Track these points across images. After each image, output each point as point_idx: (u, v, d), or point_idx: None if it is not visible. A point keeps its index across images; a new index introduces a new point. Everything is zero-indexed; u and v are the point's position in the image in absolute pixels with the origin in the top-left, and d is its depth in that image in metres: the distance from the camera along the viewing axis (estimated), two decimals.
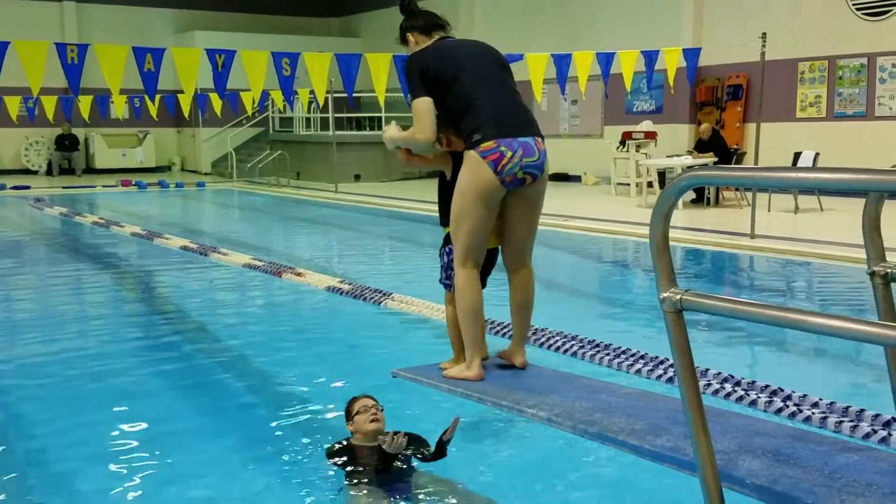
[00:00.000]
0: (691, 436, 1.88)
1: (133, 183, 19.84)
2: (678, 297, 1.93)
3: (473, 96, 3.34)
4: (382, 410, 3.60)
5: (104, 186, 19.74)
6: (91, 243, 11.65)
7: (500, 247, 3.71)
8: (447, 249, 3.70)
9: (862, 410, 4.01)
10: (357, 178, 19.92)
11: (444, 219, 3.71)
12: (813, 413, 4.09)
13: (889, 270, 2.35)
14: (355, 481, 3.39)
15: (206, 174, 23.64)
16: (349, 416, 3.62)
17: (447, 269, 3.71)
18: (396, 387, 3.96)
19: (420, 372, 3.26)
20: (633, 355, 5.13)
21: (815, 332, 1.70)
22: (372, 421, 3.51)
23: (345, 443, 3.61)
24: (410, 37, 3.56)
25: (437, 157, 3.66)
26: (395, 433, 3.37)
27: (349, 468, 3.47)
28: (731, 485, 1.97)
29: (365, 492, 3.31)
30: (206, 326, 6.55)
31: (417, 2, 3.63)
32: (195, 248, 10.05)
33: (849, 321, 1.65)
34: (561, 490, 3.50)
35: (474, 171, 3.32)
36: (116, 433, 4.13)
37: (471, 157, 3.35)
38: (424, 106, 3.34)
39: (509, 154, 3.28)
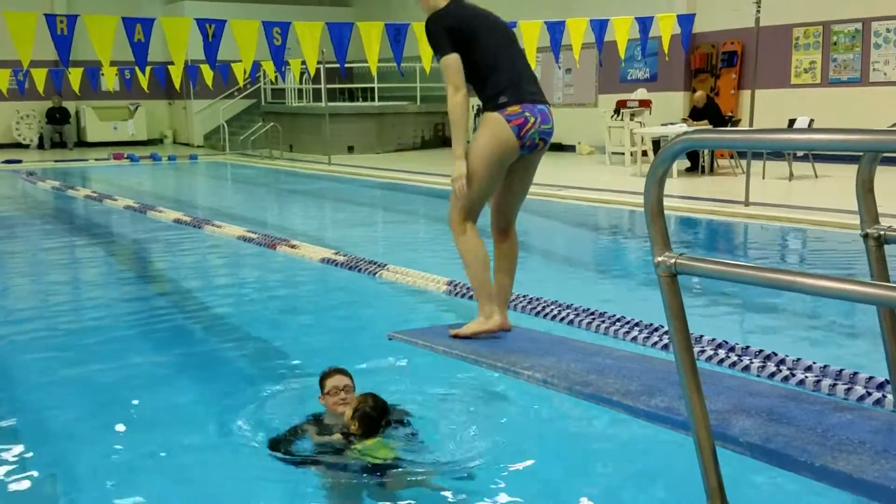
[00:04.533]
0: (685, 396, 1.89)
1: (125, 156, 19.73)
2: (672, 261, 1.94)
3: (497, 56, 3.40)
4: (353, 389, 3.58)
5: (96, 160, 19.63)
6: (84, 217, 11.61)
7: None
8: None
9: (855, 373, 4.05)
10: (350, 149, 19.84)
11: None
12: (806, 377, 4.12)
13: (882, 232, 2.36)
14: (324, 459, 3.40)
15: (198, 147, 23.50)
16: (322, 388, 3.62)
17: None
18: (392, 350, 3.98)
19: (416, 335, 3.27)
20: (628, 322, 5.16)
21: (807, 292, 1.71)
22: (340, 404, 3.51)
23: (305, 428, 3.58)
24: None
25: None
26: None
27: (317, 447, 3.47)
28: (725, 443, 1.99)
29: (333, 470, 3.33)
30: (201, 298, 6.55)
31: None
32: (189, 221, 10.02)
33: (840, 281, 1.66)
34: (553, 458, 3.54)
35: (497, 134, 3.34)
36: (111, 404, 4.14)
37: (495, 119, 3.35)
38: (454, 61, 3.34)
39: (532, 120, 3.37)
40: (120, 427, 3.86)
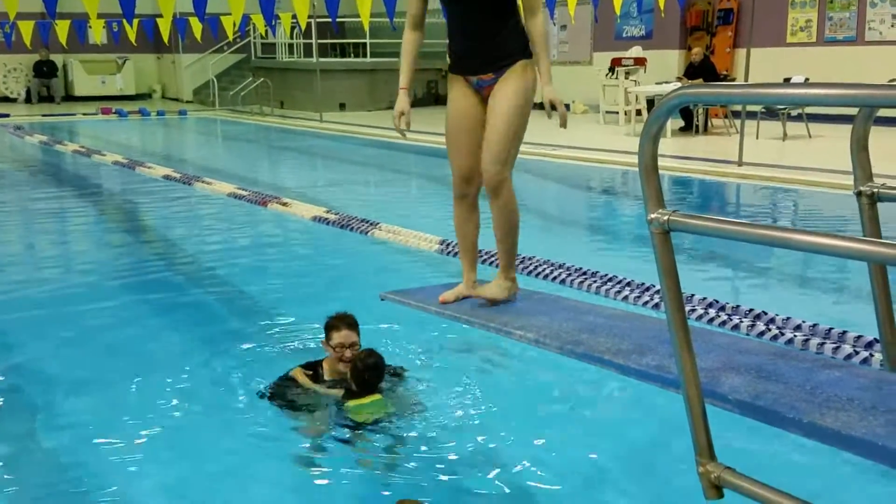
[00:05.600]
0: (676, 354, 1.89)
1: (113, 111, 19.52)
2: (666, 217, 1.92)
3: None
4: (359, 345, 3.55)
5: (84, 114, 19.42)
6: (73, 172, 11.51)
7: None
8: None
9: (844, 332, 4.07)
10: (342, 107, 19.64)
11: None
12: (795, 335, 4.15)
13: (875, 190, 2.34)
14: (315, 408, 3.42)
15: (187, 102, 23.24)
16: (328, 337, 3.59)
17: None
18: (384, 309, 3.98)
19: (409, 295, 3.26)
20: (619, 282, 5.17)
21: (800, 249, 1.70)
22: (342, 361, 3.50)
23: (296, 375, 3.59)
24: None
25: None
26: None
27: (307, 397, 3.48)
28: (714, 401, 2.00)
29: (321, 419, 3.35)
30: (191, 254, 6.53)
31: None
32: (178, 178, 9.95)
33: (833, 238, 1.65)
34: (544, 417, 3.56)
35: (533, 79, 3.25)
36: (100, 359, 4.14)
37: (530, 65, 3.25)
38: None
39: None
40: (108, 379, 3.86)
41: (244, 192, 8.72)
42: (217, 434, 3.35)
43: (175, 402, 3.65)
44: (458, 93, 3.28)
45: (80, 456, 3.22)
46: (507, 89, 3.17)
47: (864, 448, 1.75)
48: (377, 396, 3.33)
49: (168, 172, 10.30)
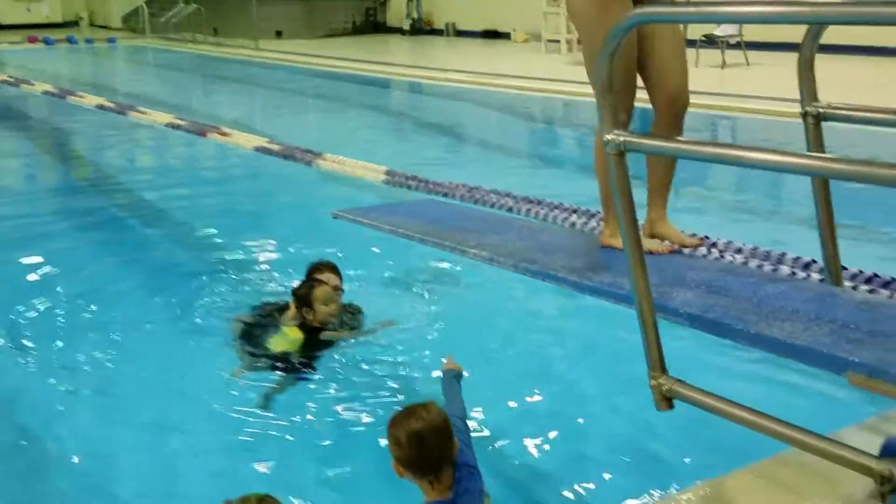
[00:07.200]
0: (629, 270, 1.94)
1: (40, 39, 18.70)
2: (622, 139, 1.95)
3: None
4: (341, 290, 3.52)
5: (10, 43, 18.54)
6: (1, 103, 11.04)
7: None
8: None
9: (783, 254, 4.20)
10: (279, 34, 19.11)
11: None
12: (735, 258, 4.26)
13: (821, 110, 2.41)
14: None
15: (116, 30, 22.32)
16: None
17: None
18: (335, 234, 3.97)
19: (361, 213, 3.24)
20: (567, 209, 5.21)
21: (750, 166, 1.75)
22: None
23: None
24: None
25: None
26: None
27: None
28: (666, 315, 2.06)
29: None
30: (129, 186, 6.38)
31: None
32: (112, 107, 9.61)
33: (782, 154, 1.70)
34: (498, 336, 3.63)
35: None
36: (37, 293, 4.04)
37: None
38: None
39: None
40: (50, 319, 3.79)
41: (182, 122, 8.49)
42: (153, 364, 3.33)
43: (112, 336, 3.60)
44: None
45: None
46: None
47: (809, 356, 1.83)
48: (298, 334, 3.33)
49: (101, 102, 9.94)
